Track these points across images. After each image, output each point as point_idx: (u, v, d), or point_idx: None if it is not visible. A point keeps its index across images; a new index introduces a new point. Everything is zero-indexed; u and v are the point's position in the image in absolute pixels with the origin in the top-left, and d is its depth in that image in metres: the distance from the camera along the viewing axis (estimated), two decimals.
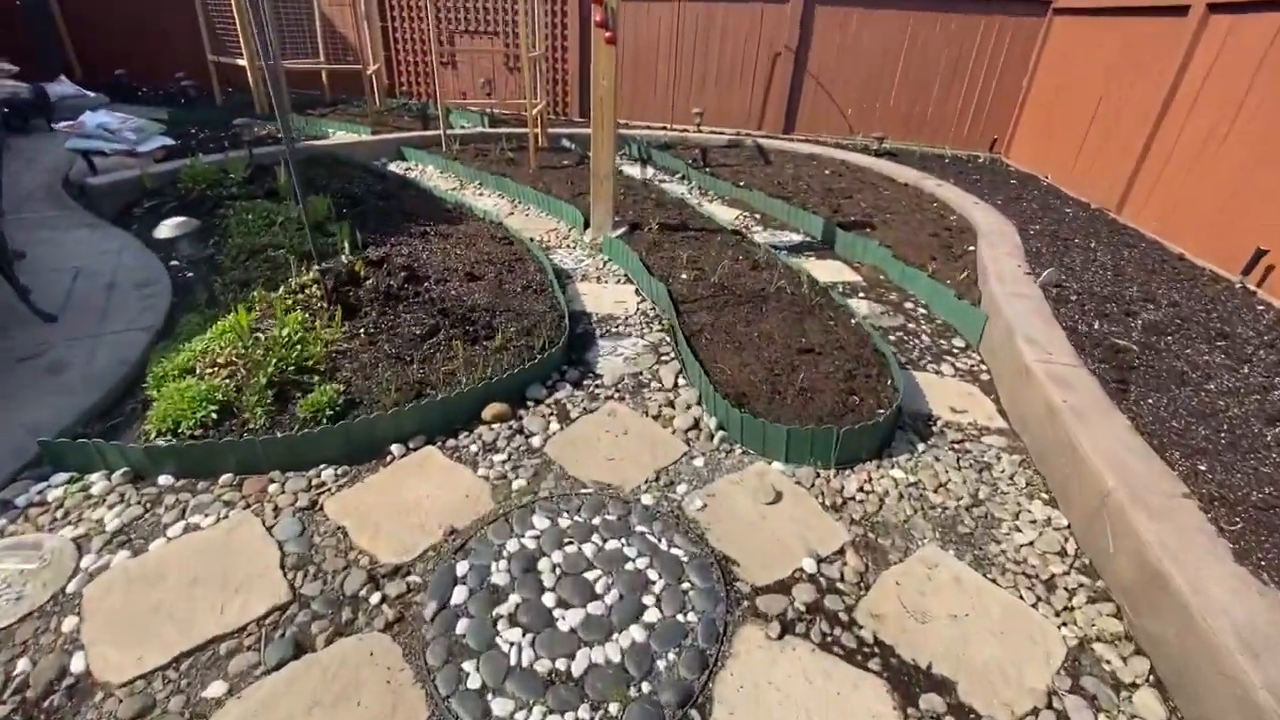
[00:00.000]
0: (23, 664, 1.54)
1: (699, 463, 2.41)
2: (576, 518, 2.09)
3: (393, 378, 2.58)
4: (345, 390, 2.49)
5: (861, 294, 3.99)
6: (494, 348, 2.85)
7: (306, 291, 3.11)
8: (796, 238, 5.00)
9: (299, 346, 2.64)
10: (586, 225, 4.69)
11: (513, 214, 5.21)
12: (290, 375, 2.50)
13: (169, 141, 5.10)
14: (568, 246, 4.58)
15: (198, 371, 2.48)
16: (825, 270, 4.29)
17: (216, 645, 1.62)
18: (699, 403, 2.72)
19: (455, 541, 1.98)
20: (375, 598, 1.78)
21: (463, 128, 7.35)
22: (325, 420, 2.34)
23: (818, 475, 2.36)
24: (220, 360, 2.50)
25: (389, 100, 8.12)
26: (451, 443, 2.44)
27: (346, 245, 3.68)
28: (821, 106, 7.80)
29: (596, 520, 2.08)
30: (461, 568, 1.88)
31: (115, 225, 4.23)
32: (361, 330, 2.88)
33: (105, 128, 4.75)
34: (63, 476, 2.13)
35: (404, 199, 5.03)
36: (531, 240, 4.35)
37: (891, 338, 3.43)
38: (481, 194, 5.68)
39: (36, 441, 2.14)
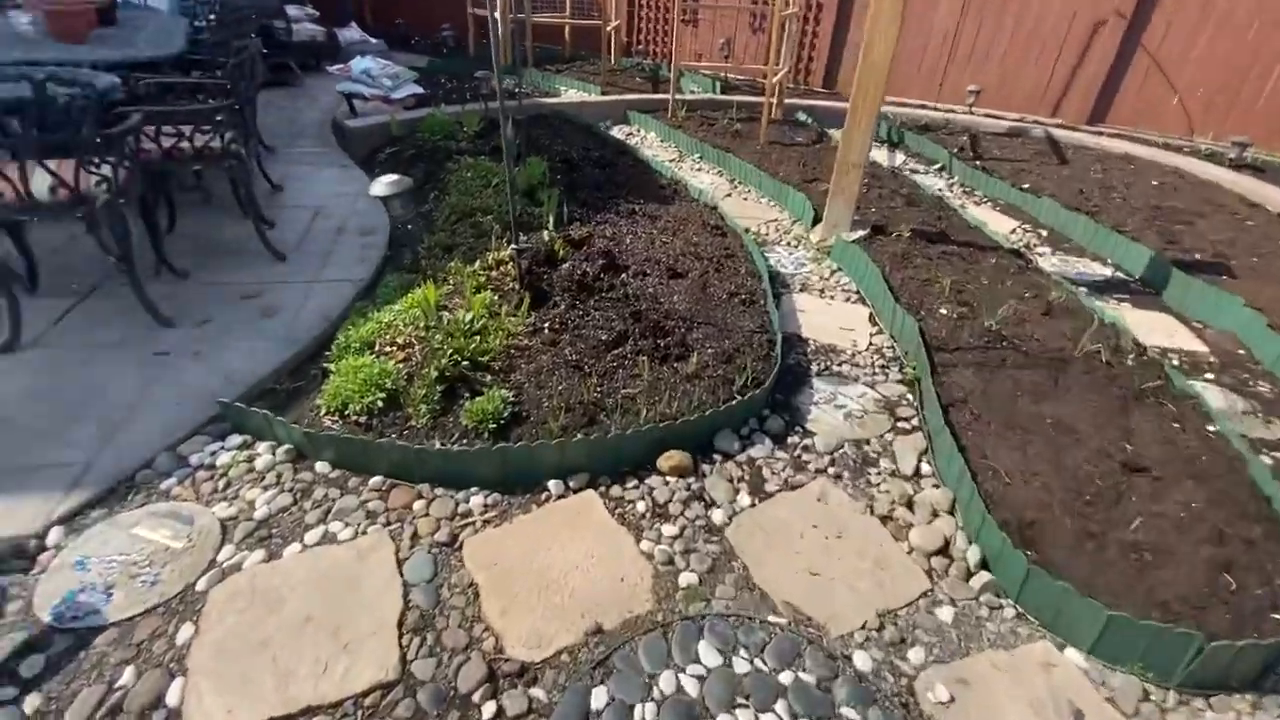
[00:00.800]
0: (127, 675, 1.40)
1: (945, 615, 1.66)
2: (758, 662, 1.50)
3: (566, 392, 2.19)
4: (514, 399, 2.15)
5: (1209, 374, 2.76)
6: (686, 373, 2.33)
7: (501, 269, 2.85)
8: (1102, 271, 3.73)
9: (478, 337, 2.35)
10: (816, 221, 3.93)
11: (730, 195, 4.61)
12: (463, 370, 2.22)
13: (419, 90, 5.30)
14: (789, 244, 3.87)
15: (377, 347, 2.31)
16: (1150, 327, 3.07)
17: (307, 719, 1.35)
18: (953, 512, 1.94)
19: (598, 649, 1.52)
20: (489, 710, 1.39)
21: (692, 92, 6.83)
22: (488, 432, 2.02)
23: (1147, 696, 1.49)
24: (400, 340, 2.30)
25: (622, 59, 7.88)
26: (617, 491, 1.98)
27: (551, 219, 3.38)
28: (1153, 94, 5.92)
29: (786, 677, 1.47)
30: (598, 697, 1.42)
31: (360, 167, 4.45)
32: (546, 325, 2.53)
33: (368, 73, 5.02)
34: (236, 440, 2.06)
35: (619, 168, 4.67)
36: (747, 232, 3.72)
37: (1268, 459, 2.25)
38: (700, 169, 5.15)
39: (216, 402, 2.10)
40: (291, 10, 6.65)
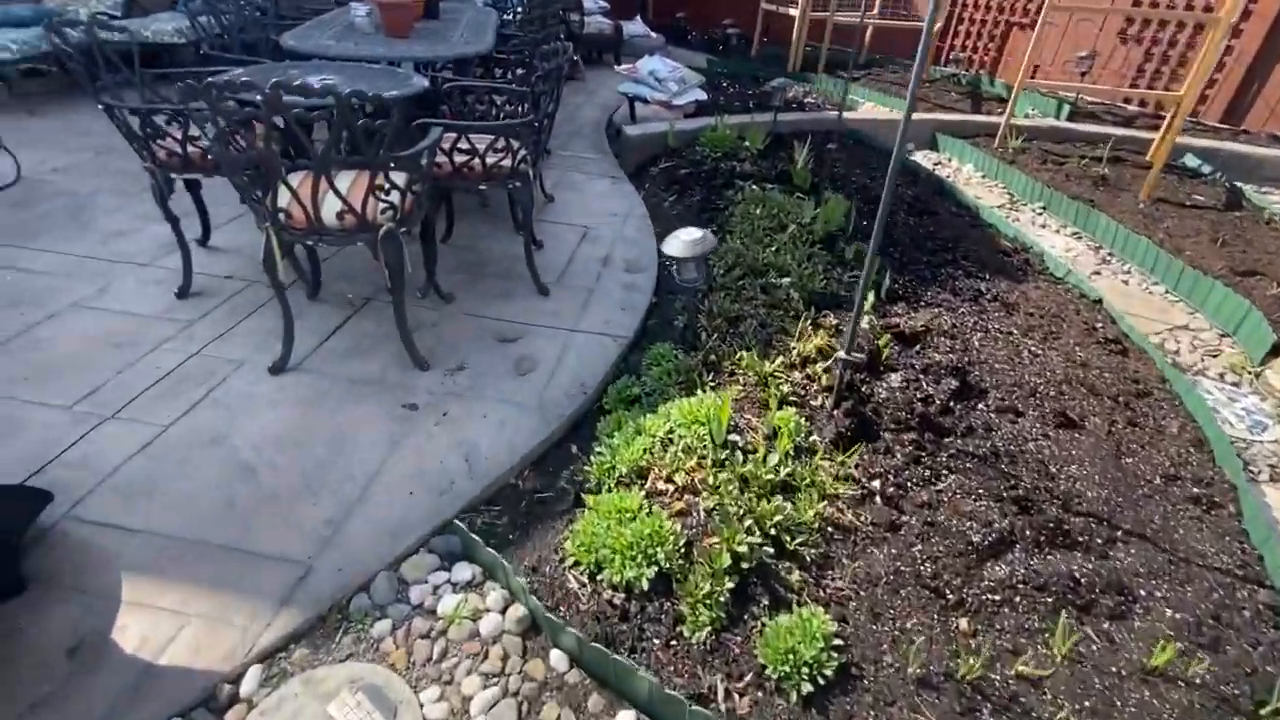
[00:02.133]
0: None
1: None
2: None
3: (922, 643, 1.37)
4: (839, 633, 1.38)
5: None
6: (1133, 659, 1.35)
7: (807, 370, 2.09)
8: None
9: (782, 495, 1.62)
10: (1274, 352, 2.54)
11: (1099, 273, 3.31)
12: (763, 556, 1.50)
13: (702, 97, 4.73)
14: (1223, 379, 2.55)
15: (648, 482, 1.68)
16: None
17: None
18: None
19: None
20: None
21: (1026, 115, 5.39)
22: (800, 688, 1.28)
23: None
24: (678, 477, 1.65)
25: (932, 68, 6.59)
26: None
27: (870, 295, 2.52)
28: None
29: None
30: None
31: (631, 181, 4.00)
32: (877, 485, 1.71)
33: (655, 75, 4.57)
34: (465, 572, 1.59)
35: (940, 216, 3.63)
36: (1153, 346, 2.50)
37: None
38: (1044, 224, 3.87)
39: (454, 524, 1.65)
40: (586, 2, 6.54)
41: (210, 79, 1.68)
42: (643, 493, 1.62)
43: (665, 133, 4.30)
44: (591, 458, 1.80)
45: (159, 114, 2.22)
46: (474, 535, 1.58)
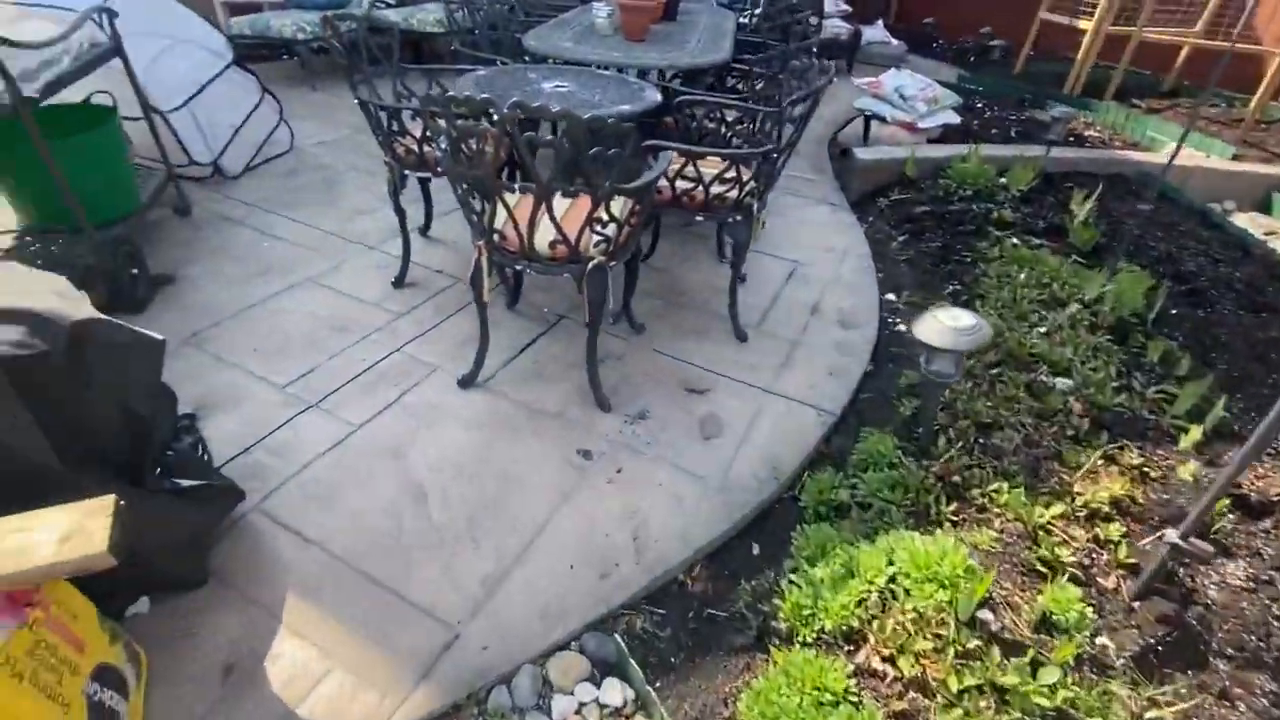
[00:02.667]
0: None
1: None
2: None
3: None
4: None
5: None
6: None
7: (1096, 529, 1.54)
8: None
9: None
10: None
11: None
12: None
13: (954, 120, 4.06)
14: None
15: (860, 652, 1.30)
16: None
17: None
18: None
19: None
20: None
21: None
22: None
23: None
24: (902, 666, 1.25)
25: (1271, 105, 5.13)
26: None
27: (1195, 431, 1.84)
28: None
29: None
30: None
31: (854, 211, 3.53)
32: None
33: (901, 92, 4.00)
34: (616, 697, 1.34)
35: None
36: None
37: None
38: None
39: (612, 620, 1.40)
40: (826, 4, 6.03)
41: (449, 93, 1.59)
42: (850, 665, 1.25)
43: (903, 159, 3.73)
44: (783, 584, 1.46)
45: (404, 112, 2.24)
46: (632, 658, 1.32)
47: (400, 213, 2.46)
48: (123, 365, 1.25)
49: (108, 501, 0.97)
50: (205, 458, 1.65)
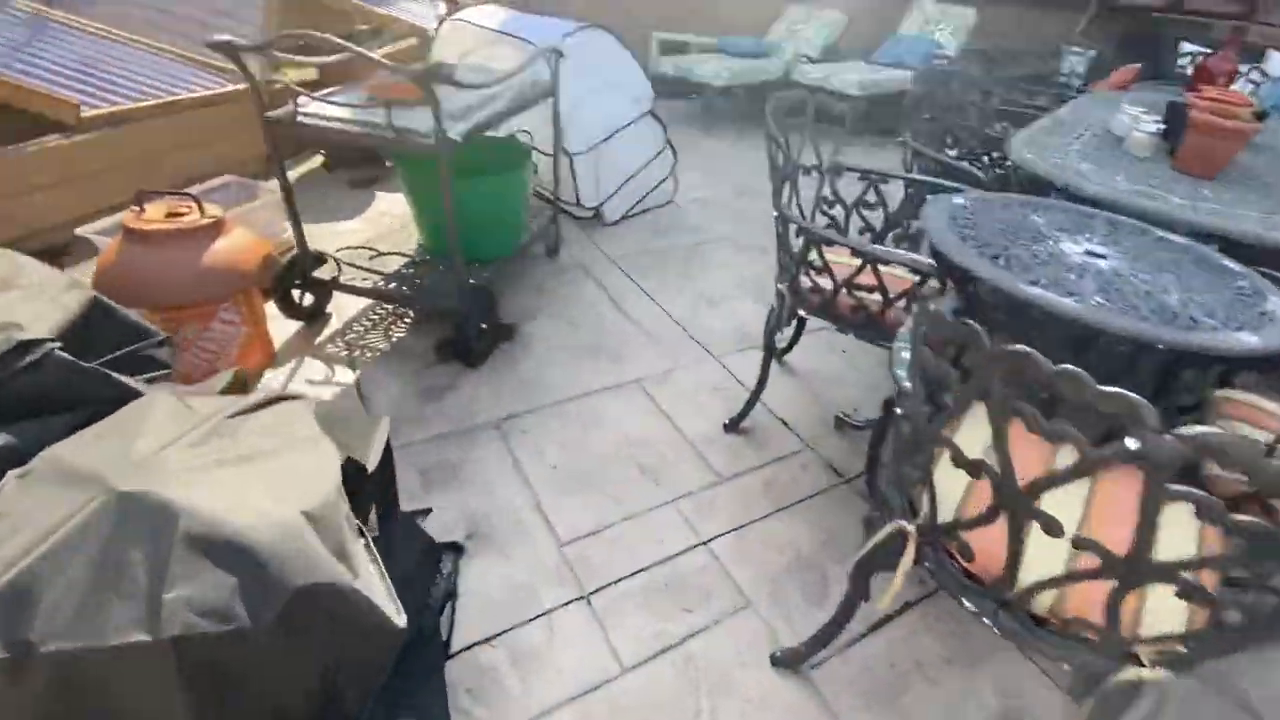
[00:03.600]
0: None
1: None
2: None
3: None
4: None
5: None
6: None
7: None
8: None
9: None
10: None
11: None
12: None
13: None
14: None
15: None
16: None
17: None
18: None
19: None
20: None
21: None
22: None
23: None
24: None
25: None
26: None
27: None
28: None
29: None
30: None
31: None
32: None
33: None
34: None
35: None
36: None
37: None
38: None
39: None
40: None
41: (936, 308, 0.86)
42: None
43: None
44: None
45: (825, 241, 1.60)
46: None
47: (769, 350, 1.86)
48: (343, 641, 0.82)
49: None
50: (444, 640, 1.24)
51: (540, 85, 2.32)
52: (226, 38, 1.66)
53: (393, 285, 2.14)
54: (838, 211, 1.92)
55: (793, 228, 1.59)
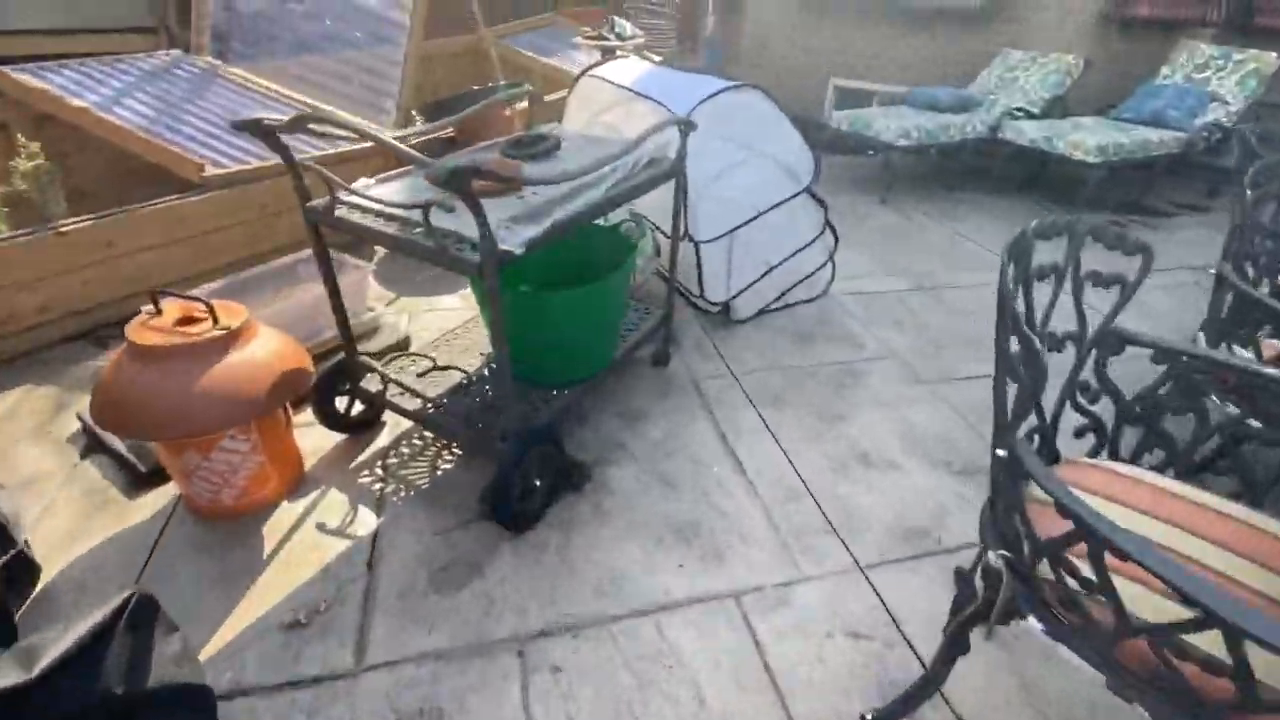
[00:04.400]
0: None
1: None
2: None
3: None
4: None
5: None
6: None
7: None
8: None
9: None
10: None
11: None
12: None
13: None
14: None
15: None
16: None
17: None
18: None
19: None
20: None
21: None
22: None
23: None
24: None
25: None
26: None
27: None
28: None
29: None
30: None
31: None
32: None
33: None
34: None
35: None
36: None
37: None
38: None
39: None
40: None
41: None
42: None
43: None
44: None
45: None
46: None
47: (954, 643, 1.10)
48: None
49: None
50: None
51: (661, 166, 1.78)
52: (257, 117, 1.32)
53: (444, 404, 1.69)
54: (1103, 410, 1.13)
55: (1027, 461, 0.85)
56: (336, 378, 1.77)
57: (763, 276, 2.46)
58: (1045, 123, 3.97)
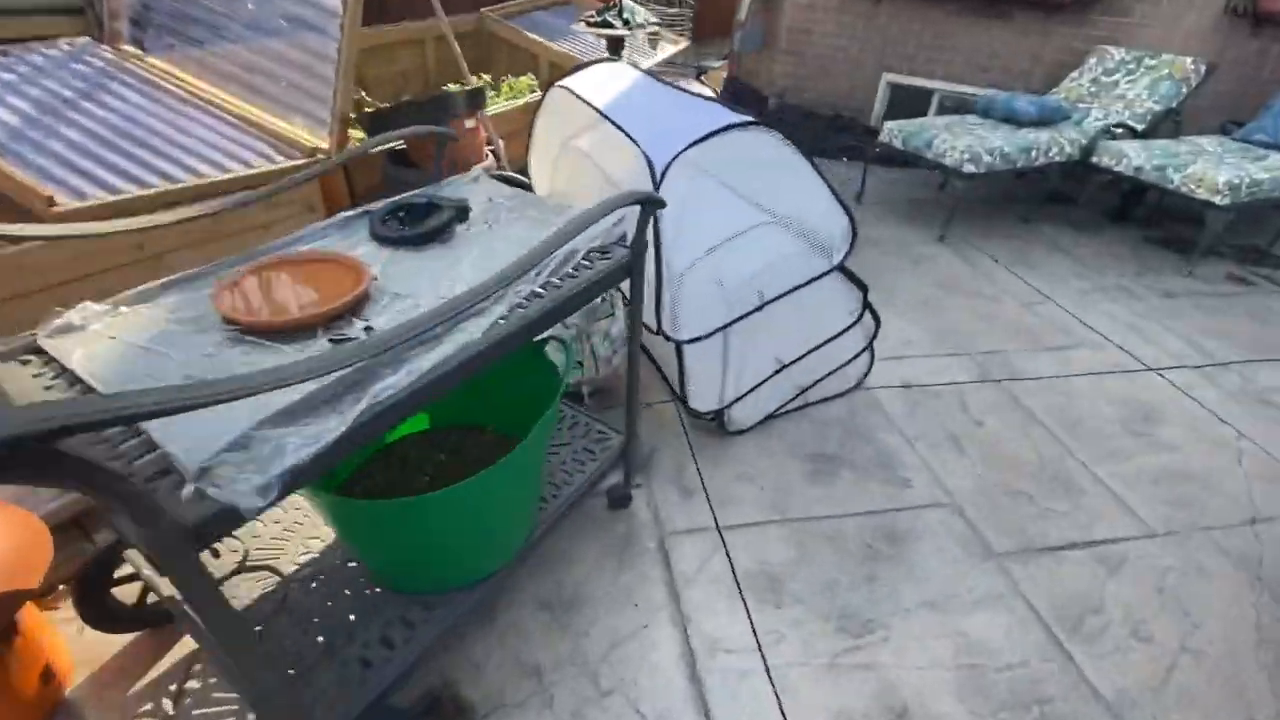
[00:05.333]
0: None
1: None
2: None
3: None
4: None
5: None
6: None
7: None
8: None
9: None
10: None
11: None
12: None
13: None
14: None
15: None
16: None
17: None
18: None
19: None
20: None
21: None
22: None
23: None
24: None
25: None
26: None
27: None
28: None
29: None
30: None
31: None
32: None
33: None
34: None
35: None
36: None
37: None
38: None
39: None
40: None
41: None
42: None
43: None
44: None
45: None
46: None
47: None
48: None
49: None
50: None
51: (613, 257, 1.13)
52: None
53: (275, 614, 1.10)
54: None
55: None
56: (104, 567, 1.19)
57: (771, 377, 1.79)
58: (1156, 146, 3.15)
